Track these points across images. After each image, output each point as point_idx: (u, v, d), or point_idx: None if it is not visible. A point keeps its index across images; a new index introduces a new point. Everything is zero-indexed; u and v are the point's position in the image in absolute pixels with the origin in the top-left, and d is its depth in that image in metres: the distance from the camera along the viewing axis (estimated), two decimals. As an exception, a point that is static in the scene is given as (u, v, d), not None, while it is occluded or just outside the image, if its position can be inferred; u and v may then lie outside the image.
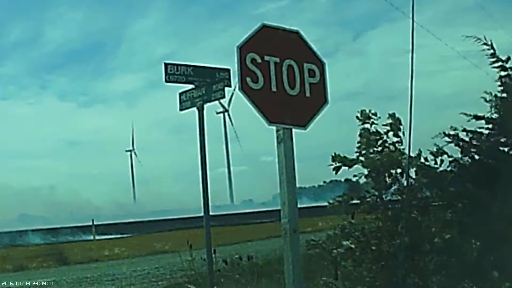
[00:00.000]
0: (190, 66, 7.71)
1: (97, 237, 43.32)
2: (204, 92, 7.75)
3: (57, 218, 69.73)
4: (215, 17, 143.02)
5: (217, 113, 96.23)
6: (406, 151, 6.01)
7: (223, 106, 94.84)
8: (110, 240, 38.41)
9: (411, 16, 6.12)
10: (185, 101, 7.96)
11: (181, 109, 8.06)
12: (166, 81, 7.57)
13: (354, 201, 6.17)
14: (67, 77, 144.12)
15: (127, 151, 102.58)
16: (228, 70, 7.87)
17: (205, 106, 7.85)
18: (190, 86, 7.85)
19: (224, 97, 7.62)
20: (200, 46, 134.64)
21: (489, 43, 5.74)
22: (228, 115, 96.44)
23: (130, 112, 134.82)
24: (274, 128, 5.12)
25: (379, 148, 6.20)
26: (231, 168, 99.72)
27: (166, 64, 7.56)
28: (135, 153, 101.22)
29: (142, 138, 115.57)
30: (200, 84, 7.74)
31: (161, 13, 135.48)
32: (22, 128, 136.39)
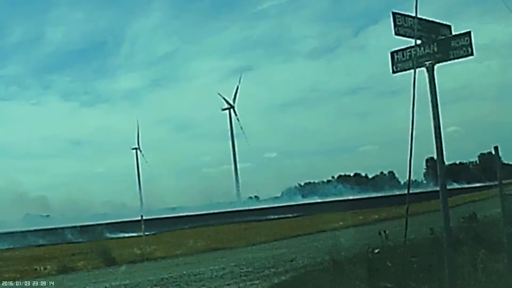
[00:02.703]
0: (416, 18, 6.32)
1: (117, 235, 42.02)
2: (435, 49, 6.39)
3: (63, 217, 67.99)
4: (215, 15, 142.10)
5: (223, 109, 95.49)
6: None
7: (228, 103, 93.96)
8: (133, 238, 36.97)
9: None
10: (403, 61, 6.50)
11: (395, 71, 6.70)
12: (396, 34, 6.22)
13: None
14: (70, 76, 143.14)
15: (133, 148, 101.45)
16: (449, 27, 6.65)
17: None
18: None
19: (472, 54, 6.27)
20: (202, 44, 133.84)
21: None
22: (234, 111, 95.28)
23: (134, 111, 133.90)
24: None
25: None
26: (238, 165, 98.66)
27: (394, 14, 6.22)
28: (140, 150, 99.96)
29: (146, 137, 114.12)
30: (428, 41, 6.48)
31: (162, 12, 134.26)
32: (25, 129, 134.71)
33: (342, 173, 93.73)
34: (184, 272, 14.76)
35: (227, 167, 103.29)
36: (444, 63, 6.36)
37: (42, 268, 21.92)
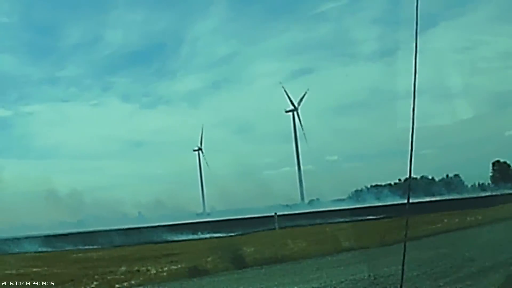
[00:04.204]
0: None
1: (190, 237, 41.26)
2: None
3: (125, 218, 67.83)
4: (274, 17, 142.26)
5: (286, 111, 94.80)
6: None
7: (292, 104, 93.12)
8: (222, 238, 36.18)
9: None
10: None
11: None
12: None
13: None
14: (129, 78, 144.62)
15: (194, 150, 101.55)
16: None
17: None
18: None
19: None
20: (261, 45, 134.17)
21: None
22: (297, 113, 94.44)
23: (193, 113, 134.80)
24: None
25: None
26: (301, 167, 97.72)
27: None
28: (202, 152, 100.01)
29: (206, 138, 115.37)
30: None
31: (221, 14, 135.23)
32: (85, 130, 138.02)
33: (414, 176, 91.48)
34: (367, 274, 13.63)
35: (288, 169, 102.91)
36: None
37: (144, 269, 20.88)
